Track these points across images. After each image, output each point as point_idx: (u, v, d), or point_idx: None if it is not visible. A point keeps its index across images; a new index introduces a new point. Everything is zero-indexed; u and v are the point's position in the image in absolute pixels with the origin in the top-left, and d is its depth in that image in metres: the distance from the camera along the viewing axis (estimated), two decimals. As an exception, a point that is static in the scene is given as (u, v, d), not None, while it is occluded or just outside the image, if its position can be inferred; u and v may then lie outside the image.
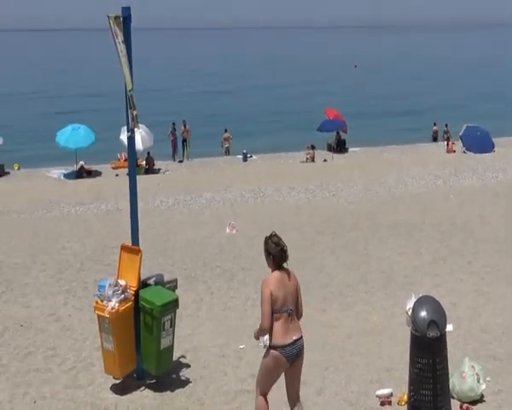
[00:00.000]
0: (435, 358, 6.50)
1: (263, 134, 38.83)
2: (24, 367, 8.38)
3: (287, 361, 5.94)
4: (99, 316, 7.62)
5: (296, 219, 16.68)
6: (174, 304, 7.72)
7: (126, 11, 7.41)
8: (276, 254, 5.93)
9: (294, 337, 5.95)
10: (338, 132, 32.62)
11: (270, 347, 5.96)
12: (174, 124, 31.66)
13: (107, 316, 7.45)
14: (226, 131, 32.76)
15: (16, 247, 14.67)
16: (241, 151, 30.80)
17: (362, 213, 17.08)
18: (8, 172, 28.76)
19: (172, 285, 8.14)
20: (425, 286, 10.83)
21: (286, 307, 5.89)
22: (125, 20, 7.37)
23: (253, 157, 31.01)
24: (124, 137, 26.29)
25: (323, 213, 17.51)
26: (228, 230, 15.50)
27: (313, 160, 29.77)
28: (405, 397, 6.99)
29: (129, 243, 7.92)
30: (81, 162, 28.34)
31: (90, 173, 28.12)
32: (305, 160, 29.75)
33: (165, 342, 7.64)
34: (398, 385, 7.47)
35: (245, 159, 30.44)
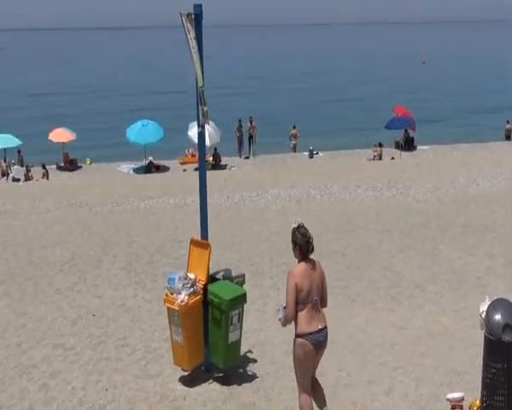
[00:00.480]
0: (510, 363, 6.28)
1: (329, 131, 38.59)
2: (96, 356, 8.63)
3: (313, 348, 6.05)
4: (169, 309, 7.74)
5: (363, 217, 16.48)
6: (242, 299, 7.76)
7: (198, 8, 7.49)
8: (303, 244, 6.09)
9: (320, 326, 6.08)
10: (406, 130, 32.02)
11: (297, 335, 6.10)
12: (240, 120, 31.87)
13: (177, 309, 7.55)
14: (294, 127, 32.72)
15: (88, 239, 15.13)
16: (308, 148, 30.69)
17: (431, 212, 16.70)
18: (81, 167, 29.73)
19: (240, 280, 8.19)
20: (498, 288, 10.47)
21: (311, 298, 6.03)
22: (197, 17, 7.45)
23: (320, 154, 30.85)
24: (191, 132, 26.74)
25: (391, 211, 17.23)
26: (294, 226, 15.42)
27: (380, 157, 29.35)
28: (477, 402, 6.77)
29: (198, 237, 8.01)
30: (150, 157, 28.97)
31: (159, 168, 28.70)
32: (372, 157, 29.37)
33: (232, 337, 7.70)
34: (469, 389, 7.26)
35: (311, 156, 30.32)
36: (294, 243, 6.15)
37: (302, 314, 6.03)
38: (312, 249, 6.13)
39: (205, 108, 7.45)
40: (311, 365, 6.20)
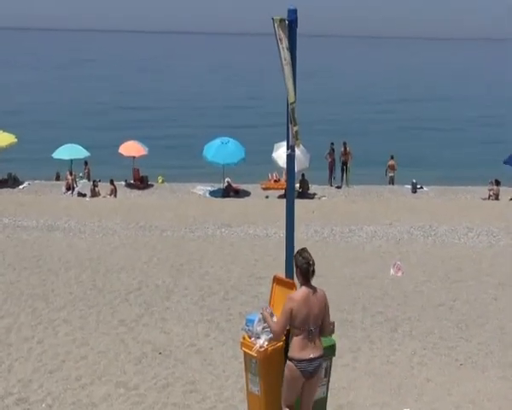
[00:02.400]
0: None
1: (436, 162, 37.98)
2: (162, 399, 8.78)
3: (301, 375, 6.77)
4: (246, 354, 7.75)
5: (475, 267, 16.10)
6: (330, 351, 7.68)
7: (293, 14, 7.42)
8: (303, 266, 6.78)
9: (312, 355, 6.74)
10: (531, 167, 30.98)
11: (288, 358, 6.84)
12: (333, 144, 31.73)
13: (255, 355, 7.55)
14: (392, 158, 32.39)
15: (157, 267, 15.49)
16: (410, 181, 30.29)
17: (558, 267, 16.07)
18: (152, 185, 30.52)
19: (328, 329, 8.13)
20: None
21: (307, 326, 6.71)
22: (291, 24, 7.45)
23: (424, 189, 30.37)
24: (276, 154, 27.00)
25: (509, 261, 16.71)
26: (392, 271, 15.28)
27: (497, 197, 28.53)
28: None
29: (281, 274, 8.01)
30: (227, 179, 29.38)
31: (238, 193, 29.05)
32: (487, 196, 28.61)
33: (317, 394, 7.63)
34: None
35: (414, 190, 29.89)
36: (296, 265, 6.89)
37: (296, 340, 6.77)
38: (313, 273, 6.78)
39: (295, 128, 7.47)
40: (298, 390, 6.90)
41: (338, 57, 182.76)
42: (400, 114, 61.45)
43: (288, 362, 6.84)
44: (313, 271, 6.80)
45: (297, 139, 7.56)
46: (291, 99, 7.39)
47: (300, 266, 6.81)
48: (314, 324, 6.75)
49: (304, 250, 6.95)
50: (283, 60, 7.36)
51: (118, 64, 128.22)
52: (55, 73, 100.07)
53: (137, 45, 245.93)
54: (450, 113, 62.15)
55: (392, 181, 31.95)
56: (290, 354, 6.81)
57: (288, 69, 7.36)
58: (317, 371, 6.86)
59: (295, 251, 7.20)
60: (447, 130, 51.12)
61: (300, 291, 6.79)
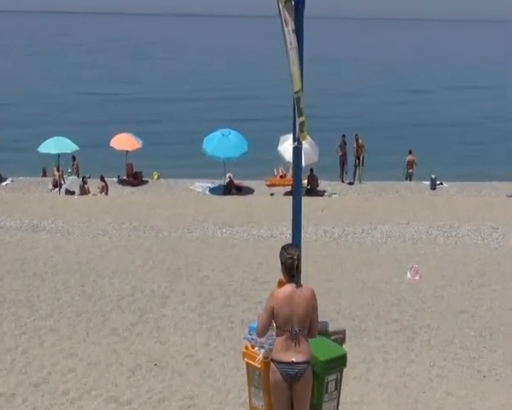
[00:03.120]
0: None
1: (457, 156, 37.94)
2: (178, 416, 8.79)
3: (282, 379, 6.82)
4: (248, 365, 7.77)
5: (499, 270, 16.09)
6: (341, 361, 7.69)
7: None
8: (287, 261, 6.83)
9: (294, 359, 6.78)
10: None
11: (271, 359, 6.95)
12: (344, 136, 31.68)
13: (259, 366, 7.57)
14: (410, 152, 32.35)
15: (153, 271, 15.52)
16: (429, 176, 30.25)
17: None
18: (147, 182, 30.54)
19: (339, 337, 8.15)
20: None
21: (289, 327, 6.78)
22: (297, 5, 7.42)
23: (444, 185, 30.32)
24: (282, 148, 26.95)
25: (538, 265, 16.70)
26: (409, 275, 15.29)
27: (525, 194, 28.49)
28: None
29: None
30: (229, 175, 29.38)
31: (241, 190, 29.06)
32: (513, 193, 28.57)
33: (327, 408, 7.64)
34: None
35: (433, 186, 29.85)
36: (280, 261, 6.93)
37: (279, 341, 6.86)
38: (297, 268, 6.83)
39: (300, 119, 7.43)
40: (284, 397, 6.92)
41: (348, 41, 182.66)
42: (418, 103, 61.41)
43: (271, 364, 6.96)
44: (297, 266, 6.84)
45: (302, 132, 7.52)
46: (296, 87, 7.34)
47: (285, 262, 6.86)
48: (299, 324, 6.79)
49: (290, 245, 7.08)
50: (289, 44, 7.31)
51: (110, 50, 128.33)
52: (36, 60, 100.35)
53: (133, 29, 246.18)
54: (472, 103, 62.07)
55: (410, 178, 31.92)
56: (272, 355, 6.94)
57: (293, 54, 7.31)
58: (300, 376, 6.86)
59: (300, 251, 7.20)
60: (469, 121, 51.06)
61: (284, 289, 6.87)
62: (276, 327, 6.84)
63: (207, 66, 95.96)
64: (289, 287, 6.84)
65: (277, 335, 6.86)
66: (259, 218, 22.07)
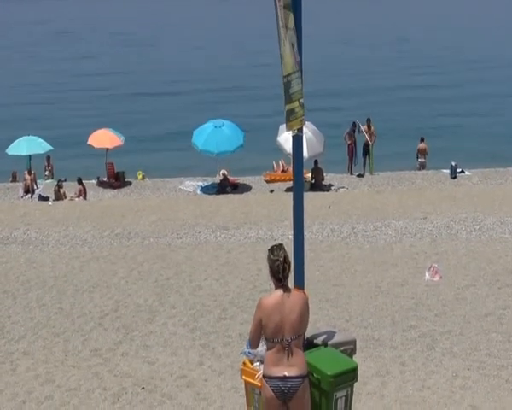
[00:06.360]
0: None
1: (480, 140, 37.93)
2: (145, 445, 8.82)
3: (274, 396, 6.90)
4: (247, 383, 7.81)
5: (530, 267, 16.09)
6: (351, 375, 7.74)
7: None
8: (274, 264, 6.95)
9: (286, 373, 6.86)
10: None
11: (262, 375, 7.07)
12: (354, 123, 31.58)
13: (259, 384, 7.60)
14: (422, 140, 32.37)
15: (138, 283, 15.53)
16: (449, 163, 30.26)
17: None
18: (130, 183, 30.54)
19: (349, 349, 8.20)
20: None
21: (279, 338, 6.88)
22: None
23: (466, 173, 30.34)
24: (282, 138, 26.94)
25: None
26: (428, 275, 15.31)
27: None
28: None
29: (289, 284, 8.04)
30: (223, 171, 29.38)
31: (236, 187, 29.07)
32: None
33: (337, 428, 7.67)
34: None
35: (454, 175, 29.86)
36: (268, 264, 7.06)
37: (269, 354, 6.97)
38: (284, 271, 6.91)
39: (287, 107, 7.36)
40: None
41: (351, 11, 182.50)
42: (433, 78, 61.27)
43: (262, 380, 7.09)
44: (284, 269, 6.92)
45: (289, 121, 7.41)
46: (286, 71, 7.29)
47: (271, 265, 6.96)
48: (291, 333, 6.87)
49: (277, 246, 7.14)
50: (280, 21, 7.29)
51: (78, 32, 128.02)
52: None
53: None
54: (494, 76, 61.98)
55: (422, 168, 31.95)
56: (263, 370, 7.07)
57: (284, 33, 7.28)
58: (294, 392, 6.91)
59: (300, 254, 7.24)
60: (493, 98, 51.01)
61: (272, 297, 6.98)
62: (266, 339, 6.90)
63: (197, 48, 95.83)
64: (278, 293, 6.91)
65: (268, 348, 6.95)
66: (258, 218, 22.07)
